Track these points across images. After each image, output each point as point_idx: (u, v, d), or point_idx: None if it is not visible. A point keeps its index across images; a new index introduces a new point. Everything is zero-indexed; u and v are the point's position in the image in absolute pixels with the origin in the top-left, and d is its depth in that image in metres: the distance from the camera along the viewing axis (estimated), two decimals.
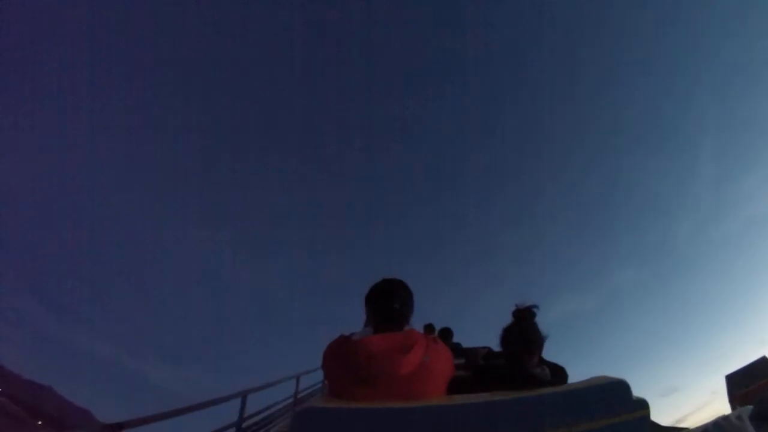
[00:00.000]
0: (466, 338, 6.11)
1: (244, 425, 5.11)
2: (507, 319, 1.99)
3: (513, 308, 1.96)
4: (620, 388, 1.30)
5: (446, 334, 5.81)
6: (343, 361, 1.44)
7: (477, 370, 2.11)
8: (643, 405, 1.28)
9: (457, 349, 5.88)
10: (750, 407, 1.66)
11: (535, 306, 1.93)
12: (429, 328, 6.22)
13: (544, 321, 1.92)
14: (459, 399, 1.33)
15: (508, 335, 1.93)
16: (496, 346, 2.03)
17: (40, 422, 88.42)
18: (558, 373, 1.88)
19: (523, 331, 1.89)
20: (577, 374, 1.77)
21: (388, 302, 1.55)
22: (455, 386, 1.53)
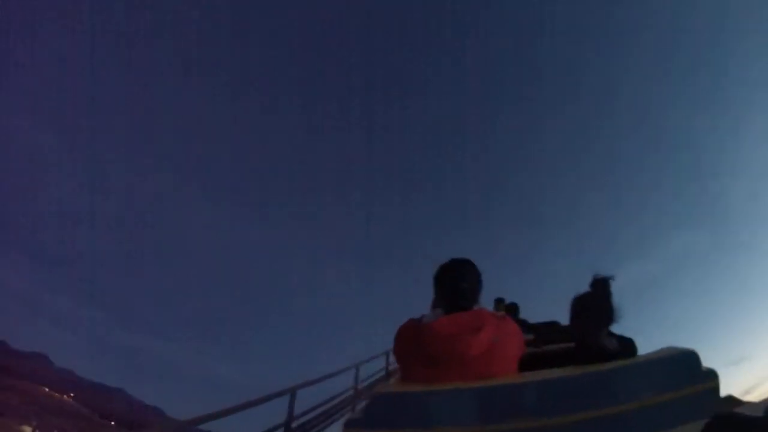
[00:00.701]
0: (526, 312, 5.90)
1: (294, 425, 4.86)
2: (567, 292, 1.92)
3: (591, 278, 1.87)
4: (689, 359, 1.27)
5: (513, 309, 5.65)
6: (414, 344, 1.45)
7: (546, 346, 2.06)
8: (712, 376, 1.25)
9: (525, 325, 5.77)
10: None
11: (612, 277, 1.85)
12: (499, 302, 6.02)
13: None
14: (531, 376, 1.34)
15: (581, 305, 1.86)
16: (562, 320, 1.97)
17: (113, 423, 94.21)
18: (627, 346, 1.80)
19: (599, 302, 1.83)
20: (643, 344, 1.72)
21: (456, 282, 1.54)
22: (526, 363, 1.53)
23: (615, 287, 1.84)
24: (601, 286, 1.85)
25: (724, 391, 1.32)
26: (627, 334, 1.85)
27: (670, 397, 1.23)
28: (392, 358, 7.00)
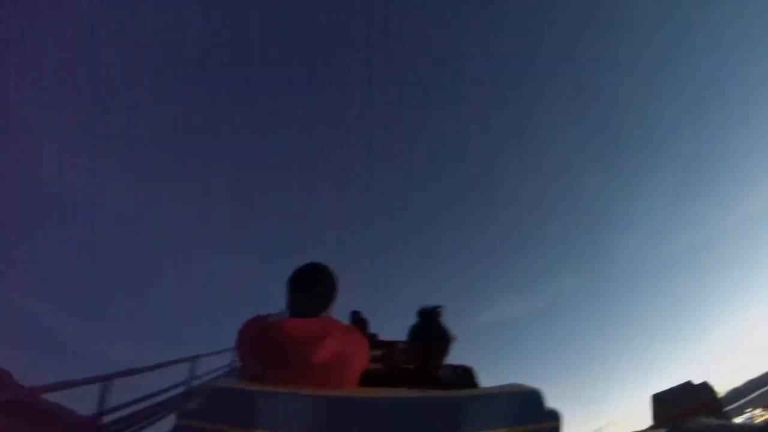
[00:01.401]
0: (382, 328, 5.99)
1: (107, 420, 4.28)
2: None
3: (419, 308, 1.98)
4: (533, 397, 1.29)
5: (361, 323, 5.76)
6: (258, 342, 1.42)
7: (390, 365, 2.14)
8: (554, 417, 1.27)
9: (374, 340, 5.77)
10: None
11: (440, 307, 1.95)
12: (355, 316, 6.12)
13: (473, 323, 1.94)
14: (371, 392, 1.34)
15: (413, 334, 1.95)
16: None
17: None
18: (465, 374, 1.89)
19: (428, 332, 1.91)
20: (497, 380, 1.75)
21: (311, 287, 1.53)
22: (368, 379, 1.52)
23: (482, 321, 1.95)
24: (427, 317, 1.94)
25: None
26: (484, 367, 1.96)
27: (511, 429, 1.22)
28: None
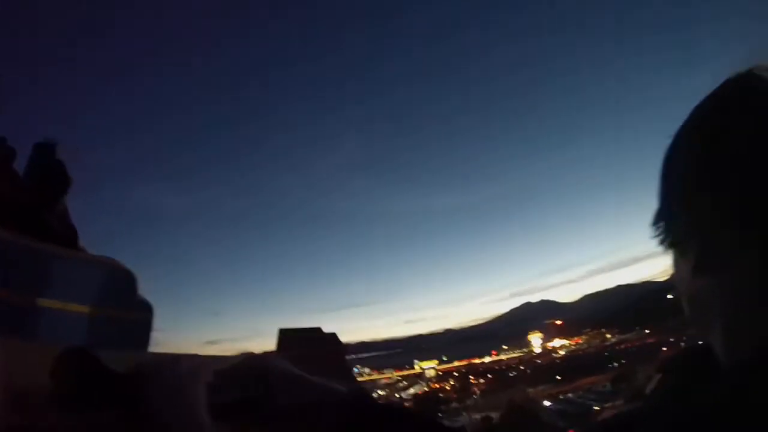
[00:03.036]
0: None
1: None
2: None
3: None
4: (128, 280, 1.28)
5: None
6: None
7: None
8: (147, 308, 1.32)
9: None
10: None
11: (56, 141, 1.79)
12: None
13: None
14: None
15: (26, 170, 1.73)
16: None
17: None
18: (72, 230, 1.67)
19: (45, 168, 1.66)
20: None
21: None
22: None
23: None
24: (44, 151, 1.74)
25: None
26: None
27: (93, 310, 1.21)
28: None
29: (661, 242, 0.47)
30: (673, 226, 0.46)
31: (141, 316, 1.29)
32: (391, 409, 0.49)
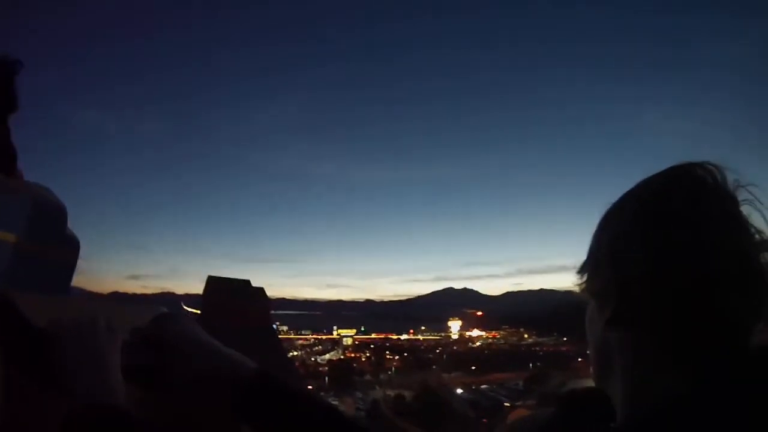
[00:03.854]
0: None
1: None
2: None
3: None
4: (59, 214, 1.14)
5: None
6: None
7: None
8: (75, 245, 1.17)
9: None
10: None
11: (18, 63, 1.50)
12: None
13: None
14: None
15: None
16: None
17: None
18: (8, 155, 1.43)
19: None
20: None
21: None
22: None
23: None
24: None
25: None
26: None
27: (19, 240, 1.05)
28: None
29: (583, 290, 0.52)
30: (596, 277, 0.49)
31: (66, 255, 1.12)
32: (295, 395, 0.46)
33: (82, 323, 0.62)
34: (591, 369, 0.55)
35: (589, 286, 0.51)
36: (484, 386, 60.21)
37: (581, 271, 0.52)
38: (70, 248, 1.19)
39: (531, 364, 73.26)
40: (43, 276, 1.11)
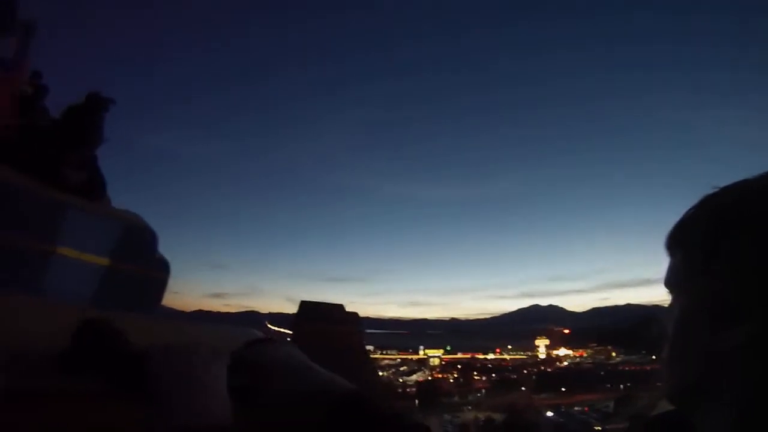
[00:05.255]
0: None
1: None
2: None
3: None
4: (149, 237, 1.23)
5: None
6: None
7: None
8: (165, 267, 1.27)
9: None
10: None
11: (110, 100, 1.60)
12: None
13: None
14: None
15: (66, 114, 1.59)
16: None
17: None
18: (98, 181, 1.53)
19: (86, 119, 1.55)
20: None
21: None
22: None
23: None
24: (94, 104, 1.59)
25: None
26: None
27: (114, 264, 1.16)
28: None
29: (692, 298, 0.46)
30: (725, 286, 0.43)
31: (158, 276, 1.23)
32: (387, 416, 0.43)
33: (183, 345, 0.63)
34: (671, 388, 0.46)
35: (702, 293, 0.43)
36: (576, 408, 56.96)
37: (689, 276, 0.45)
38: (162, 270, 1.31)
39: (621, 385, 68.46)
40: (136, 296, 1.21)
